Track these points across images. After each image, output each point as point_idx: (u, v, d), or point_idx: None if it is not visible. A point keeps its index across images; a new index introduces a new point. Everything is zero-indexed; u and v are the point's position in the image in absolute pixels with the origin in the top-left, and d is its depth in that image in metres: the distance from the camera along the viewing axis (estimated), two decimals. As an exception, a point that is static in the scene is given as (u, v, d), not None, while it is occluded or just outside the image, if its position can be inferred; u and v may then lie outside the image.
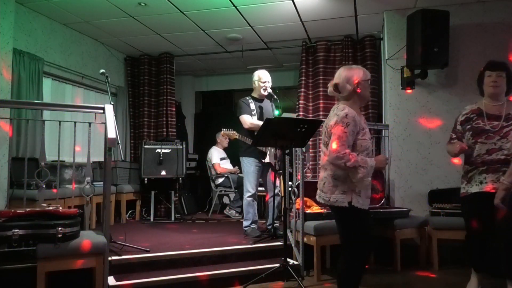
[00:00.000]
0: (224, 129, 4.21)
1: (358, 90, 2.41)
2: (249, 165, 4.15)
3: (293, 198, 3.80)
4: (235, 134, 4.14)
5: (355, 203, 2.33)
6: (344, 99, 2.47)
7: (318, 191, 2.51)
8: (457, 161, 3.70)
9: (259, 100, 4.32)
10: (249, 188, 4.14)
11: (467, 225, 2.95)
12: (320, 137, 5.27)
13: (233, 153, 6.64)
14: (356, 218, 2.38)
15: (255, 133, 3.99)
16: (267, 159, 4.20)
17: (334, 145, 2.30)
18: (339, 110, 2.38)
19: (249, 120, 4.15)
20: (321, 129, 5.09)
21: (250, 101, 4.26)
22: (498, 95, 2.88)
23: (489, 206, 2.76)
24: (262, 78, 4.26)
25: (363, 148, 2.35)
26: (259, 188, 4.28)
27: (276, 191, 4.12)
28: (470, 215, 2.91)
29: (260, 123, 3.96)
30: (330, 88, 2.52)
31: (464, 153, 2.95)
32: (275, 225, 4.05)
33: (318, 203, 3.85)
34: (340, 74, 2.46)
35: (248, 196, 4.14)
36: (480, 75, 2.98)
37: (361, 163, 2.26)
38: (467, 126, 2.91)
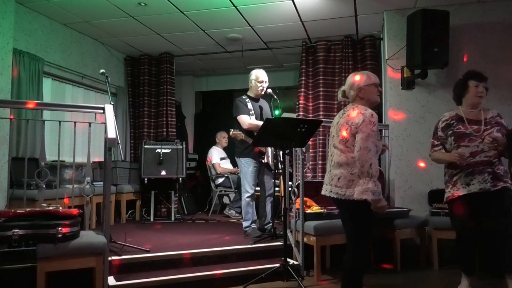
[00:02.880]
0: (232, 130, 4.11)
1: (360, 95, 2.54)
2: (247, 165, 4.14)
3: (293, 198, 3.80)
4: (241, 135, 4.05)
5: (368, 197, 2.38)
6: (352, 103, 2.58)
7: (328, 187, 2.54)
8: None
9: (255, 99, 4.30)
10: (248, 188, 4.13)
11: (457, 227, 3.00)
12: (321, 137, 5.31)
13: (233, 153, 6.66)
14: (368, 212, 2.43)
15: (254, 133, 3.99)
16: (265, 159, 4.19)
17: (364, 143, 2.37)
18: (363, 109, 2.46)
19: (248, 120, 4.10)
20: (321, 129, 5.10)
21: (247, 100, 4.22)
22: (480, 104, 3.01)
23: (477, 207, 2.86)
24: (259, 78, 4.22)
25: (378, 148, 2.46)
26: (256, 188, 4.28)
27: (272, 191, 4.12)
28: (459, 218, 2.95)
29: (259, 123, 3.96)
30: (339, 95, 2.69)
31: None
32: (269, 225, 4.05)
33: (317, 202, 3.86)
34: (347, 81, 2.63)
35: (247, 197, 4.14)
36: (462, 84, 3.04)
37: (376, 186, 2.35)
38: (449, 131, 3.00)
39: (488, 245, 2.94)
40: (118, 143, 3.22)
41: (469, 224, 2.88)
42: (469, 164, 2.86)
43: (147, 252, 3.37)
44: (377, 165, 2.40)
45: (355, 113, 2.47)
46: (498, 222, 2.79)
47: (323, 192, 2.62)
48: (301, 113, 5.58)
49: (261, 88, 4.21)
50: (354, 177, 2.42)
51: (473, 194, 2.85)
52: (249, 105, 4.19)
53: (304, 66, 5.68)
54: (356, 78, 2.57)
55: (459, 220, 2.96)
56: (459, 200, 2.91)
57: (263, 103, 4.34)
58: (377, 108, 5.33)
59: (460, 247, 2.97)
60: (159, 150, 5.47)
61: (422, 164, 4.46)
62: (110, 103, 3.22)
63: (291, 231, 3.84)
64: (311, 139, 3.87)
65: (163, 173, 5.44)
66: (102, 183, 3.64)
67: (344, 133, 2.48)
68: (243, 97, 4.28)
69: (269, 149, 4.17)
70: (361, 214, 2.45)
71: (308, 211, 3.71)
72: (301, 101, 5.63)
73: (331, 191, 2.52)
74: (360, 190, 2.36)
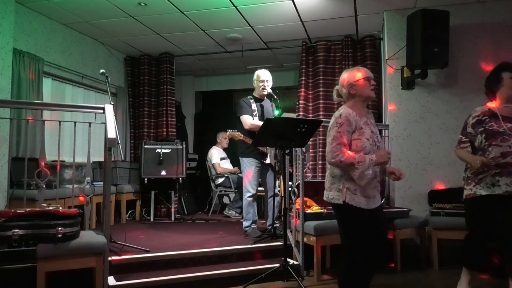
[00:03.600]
0: (229, 130, 4.14)
1: (352, 92, 2.47)
2: (249, 165, 4.15)
3: (293, 198, 3.80)
4: (239, 135, 4.09)
5: (349, 201, 2.33)
6: (346, 101, 2.53)
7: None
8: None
9: (259, 99, 4.31)
10: (249, 188, 4.13)
11: (472, 226, 2.91)
12: (321, 137, 5.32)
13: (233, 153, 6.66)
14: (352, 216, 2.37)
15: (256, 133, 4.00)
16: (268, 160, 4.19)
17: (329, 146, 2.37)
18: (337, 112, 2.45)
19: (250, 120, 4.12)
20: (321, 129, 5.11)
21: (251, 101, 4.24)
22: None
23: (499, 210, 2.73)
24: (261, 77, 4.23)
25: (359, 148, 2.35)
26: (259, 188, 4.28)
27: (276, 191, 4.12)
28: (478, 218, 2.85)
29: (261, 123, 3.96)
30: (334, 95, 2.63)
31: (476, 154, 2.88)
32: (274, 225, 4.05)
33: (317, 202, 3.87)
34: (340, 79, 2.57)
35: (248, 197, 4.14)
36: (495, 76, 2.87)
37: (358, 159, 2.29)
38: (480, 128, 2.81)
39: (497, 247, 2.86)
40: (118, 143, 3.22)
41: (486, 225, 2.78)
42: (498, 164, 2.69)
43: (147, 252, 3.37)
44: (356, 157, 2.30)
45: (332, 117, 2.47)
46: None
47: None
48: (301, 113, 5.58)
49: (263, 87, 4.22)
50: (335, 180, 2.41)
51: (496, 196, 2.71)
52: (253, 106, 4.21)
53: (304, 66, 5.68)
54: (346, 75, 2.51)
55: (476, 220, 2.86)
56: (480, 199, 2.77)
57: (266, 103, 4.34)
58: (377, 108, 5.38)
59: (470, 244, 2.89)
60: (159, 150, 5.47)
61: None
62: (110, 103, 3.22)
63: (291, 231, 3.84)
64: (311, 139, 3.87)
65: (163, 173, 5.44)
66: (102, 183, 3.64)
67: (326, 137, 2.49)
68: (248, 97, 4.30)
69: (271, 149, 4.18)
70: (346, 217, 2.41)
71: (308, 211, 3.71)
72: (301, 101, 5.63)
73: (324, 195, 2.52)
74: (357, 178, 2.31)
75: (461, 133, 2.98)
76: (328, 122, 4.15)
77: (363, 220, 2.36)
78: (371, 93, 2.49)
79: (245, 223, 4.19)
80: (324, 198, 2.50)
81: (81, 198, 3.56)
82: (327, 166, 2.50)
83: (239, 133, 4.12)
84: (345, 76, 2.51)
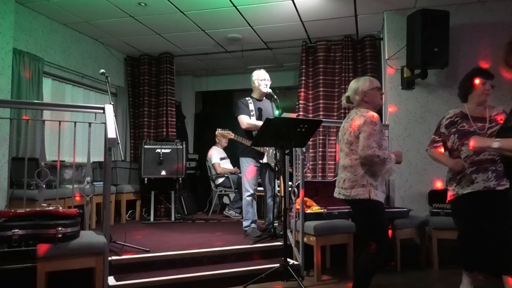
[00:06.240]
0: (219, 129, 4.22)
1: (365, 99, 2.70)
2: (247, 164, 4.15)
3: (293, 198, 3.80)
4: (230, 134, 4.14)
5: (374, 196, 2.55)
6: (357, 107, 2.73)
7: (337, 189, 2.75)
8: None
9: (258, 100, 4.31)
10: (248, 188, 4.14)
11: (460, 226, 2.99)
12: (321, 137, 5.31)
13: (233, 153, 6.66)
14: (376, 210, 2.60)
15: (253, 133, 4.00)
16: (264, 160, 4.19)
17: (365, 141, 2.53)
18: (364, 112, 2.64)
19: (247, 120, 4.14)
20: (321, 129, 5.10)
21: (249, 101, 4.25)
22: (487, 101, 2.98)
23: (481, 205, 2.84)
24: (261, 76, 4.26)
25: (383, 147, 2.65)
26: (258, 188, 4.28)
27: (274, 192, 4.12)
28: (463, 216, 2.94)
29: (258, 123, 3.99)
30: (343, 101, 2.85)
31: (452, 156, 3.01)
32: (274, 224, 4.05)
33: (317, 202, 3.87)
34: (350, 87, 2.79)
35: (247, 196, 4.14)
36: (469, 81, 3.02)
37: (389, 155, 2.59)
38: (452, 129, 2.98)
39: (489, 245, 2.92)
40: (118, 143, 3.22)
41: (473, 222, 2.87)
42: (473, 162, 2.84)
43: (147, 252, 3.37)
44: (386, 154, 2.58)
45: (357, 116, 2.64)
46: (502, 224, 2.77)
47: (335, 194, 2.78)
48: (301, 113, 5.57)
49: (264, 86, 4.24)
50: (357, 178, 2.59)
51: (477, 193, 2.83)
52: (251, 106, 4.22)
53: (304, 66, 5.68)
54: (359, 83, 2.72)
55: (463, 219, 2.94)
56: (463, 198, 2.89)
57: (265, 103, 4.34)
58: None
59: (462, 245, 2.95)
60: (159, 150, 5.47)
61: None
62: (110, 103, 3.22)
63: (291, 231, 3.84)
64: (311, 139, 3.87)
65: (163, 173, 5.44)
66: (102, 183, 3.64)
67: (349, 137, 2.65)
68: (246, 98, 4.31)
69: (270, 149, 4.18)
70: (370, 211, 2.60)
71: (308, 211, 3.71)
72: (301, 101, 5.63)
73: (339, 193, 2.71)
74: (384, 172, 2.59)
75: (434, 133, 3.15)
76: (328, 122, 4.29)
77: (383, 212, 2.64)
78: (380, 101, 2.78)
79: (245, 223, 4.19)
80: (342, 196, 2.67)
81: (77, 198, 3.57)
82: (345, 165, 2.66)
83: (229, 132, 4.17)
84: (358, 84, 2.73)
